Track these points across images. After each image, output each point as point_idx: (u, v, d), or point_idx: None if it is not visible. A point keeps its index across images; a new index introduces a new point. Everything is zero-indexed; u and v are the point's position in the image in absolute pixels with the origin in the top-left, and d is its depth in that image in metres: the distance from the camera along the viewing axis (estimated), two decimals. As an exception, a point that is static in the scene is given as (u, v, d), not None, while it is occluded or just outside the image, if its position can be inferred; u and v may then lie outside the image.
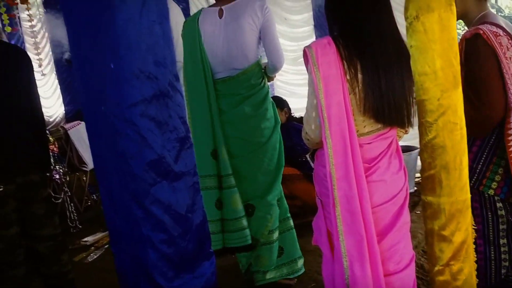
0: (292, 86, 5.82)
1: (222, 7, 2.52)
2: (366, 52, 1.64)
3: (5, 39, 4.30)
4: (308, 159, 1.93)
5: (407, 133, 1.95)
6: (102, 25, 1.60)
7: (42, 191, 2.35)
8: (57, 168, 4.39)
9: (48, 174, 2.46)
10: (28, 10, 5.26)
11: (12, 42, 5.05)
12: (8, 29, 5.09)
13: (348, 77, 1.64)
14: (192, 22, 2.56)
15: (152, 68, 1.70)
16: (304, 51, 1.71)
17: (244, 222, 2.61)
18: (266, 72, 2.67)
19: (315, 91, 1.66)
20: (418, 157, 1.80)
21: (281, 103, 3.93)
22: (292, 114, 4.09)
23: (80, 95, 1.72)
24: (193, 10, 5.45)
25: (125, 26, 1.61)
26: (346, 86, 1.65)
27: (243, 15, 2.46)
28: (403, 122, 1.73)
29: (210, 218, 2.32)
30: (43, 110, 4.41)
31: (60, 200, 4.32)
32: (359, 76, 1.65)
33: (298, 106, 4.89)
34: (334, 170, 1.66)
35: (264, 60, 2.65)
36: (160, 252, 1.70)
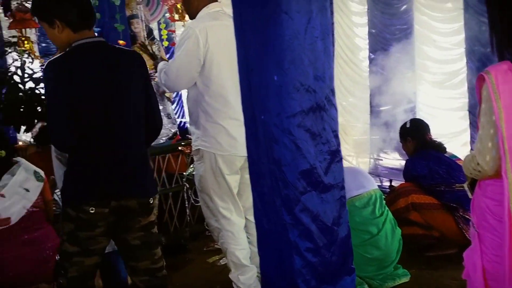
0: (435, 109, 5.60)
1: None
2: None
3: (162, 52, 4.75)
4: (466, 188, 1.83)
5: None
6: (270, 39, 1.71)
7: (141, 219, 2.03)
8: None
9: (151, 200, 2.10)
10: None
11: (167, 56, 5.52)
12: (166, 43, 5.53)
13: None
14: None
15: (312, 81, 1.77)
16: (481, 76, 1.61)
17: None
18: None
19: (495, 120, 1.56)
20: None
21: (417, 128, 3.81)
22: (434, 138, 3.88)
23: (242, 103, 1.85)
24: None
25: (291, 41, 1.71)
26: None
27: None
28: None
29: None
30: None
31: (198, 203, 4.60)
32: None
33: (439, 131, 4.69)
34: None
35: None
36: (305, 259, 1.75)
